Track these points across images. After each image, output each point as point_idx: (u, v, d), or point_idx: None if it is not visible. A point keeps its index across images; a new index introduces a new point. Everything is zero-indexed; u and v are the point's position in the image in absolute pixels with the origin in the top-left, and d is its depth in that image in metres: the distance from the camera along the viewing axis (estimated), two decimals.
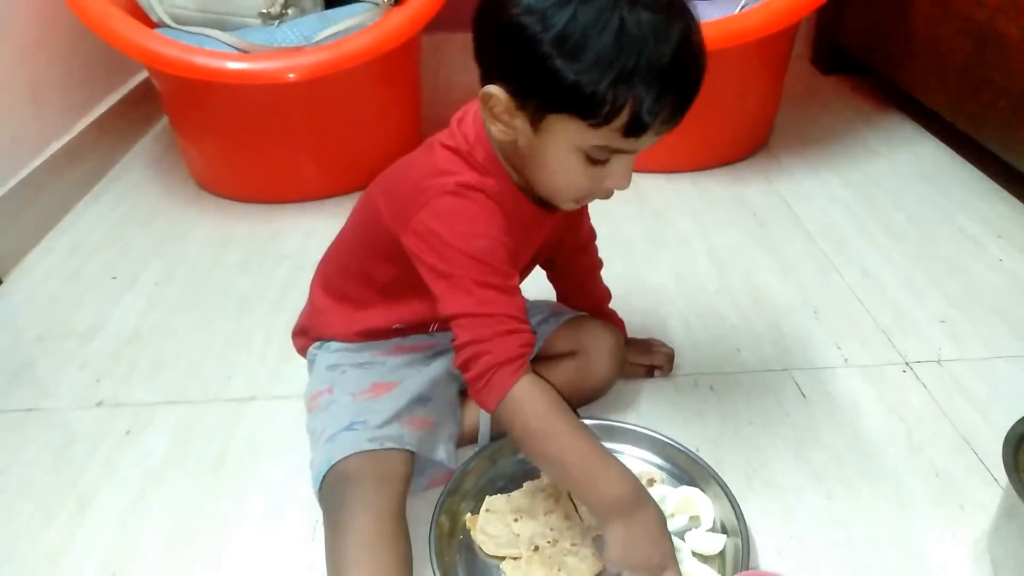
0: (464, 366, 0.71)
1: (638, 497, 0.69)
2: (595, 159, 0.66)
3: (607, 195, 0.71)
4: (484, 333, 0.69)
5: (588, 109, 0.61)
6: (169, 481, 0.88)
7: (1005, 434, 0.72)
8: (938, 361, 1.02)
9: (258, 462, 0.90)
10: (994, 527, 0.74)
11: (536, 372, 0.72)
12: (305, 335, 0.93)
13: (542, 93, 0.62)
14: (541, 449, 0.70)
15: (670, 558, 0.69)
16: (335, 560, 0.69)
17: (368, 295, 0.86)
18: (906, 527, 0.79)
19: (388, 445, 0.76)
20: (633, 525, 0.68)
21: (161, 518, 0.83)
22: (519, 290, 0.73)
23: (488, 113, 0.67)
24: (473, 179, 0.71)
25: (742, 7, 1.39)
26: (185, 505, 0.85)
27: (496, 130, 0.68)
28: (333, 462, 0.75)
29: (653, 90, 0.60)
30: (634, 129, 0.62)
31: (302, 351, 0.94)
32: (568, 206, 0.74)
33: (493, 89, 0.65)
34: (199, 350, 1.10)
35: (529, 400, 0.69)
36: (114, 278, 1.28)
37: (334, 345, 0.89)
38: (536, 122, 0.65)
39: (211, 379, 1.04)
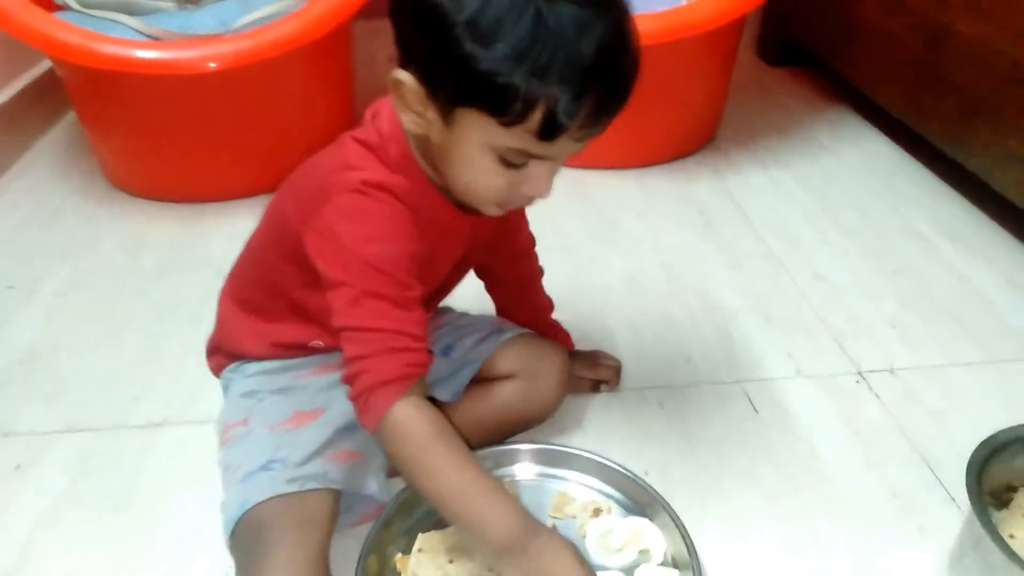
0: (348, 383, 0.64)
1: (529, 530, 0.62)
2: (510, 162, 0.59)
3: (528, 202, 0.65)
4: (367, 349, 0.63)
5: (498, 104, 0.54)
6: (64, 524, 0.79)
7: (968, 459, 0.68)
8: (891, 370, 0.99)
9: (167, 499, 0.81)
10: (957, 554, 0.70)
11: (426, 398, 0.65)
12: (219, 353, 0.84)
13: (452, 81, 0.56)
14: (421, 483, 0.63)
15: None
16: None
17: (277, 306, 0.77)
18: (865, 553, 0.75)
19: (310, 486, 0.69)
20: (531, 560, 0.61)
21: (54, 568, 0.74)
22: (417, 303, 0.66)
23: (400, 102, 0.61)
24: (381, 176, 0.64)
25: None
26: (82, 552, 0.76)
27: (408, 120, 0.61)
28: (247, 507, 0.67)
29: (570, 89, 0.53)
30: (548, 132, 0.55)
31: (216, 371, 0.86)
32: (489, 211, 0.66)
33: (403, 75, 0.58)
34: (104, 369, 1.00)
35: (408, 427, 0.63)
36: (11, 287, 1.16)
37: (251, 367, 0.80)
38: (447, 115, 0.58)
39: (117, 402, 0.94)
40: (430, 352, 0.66)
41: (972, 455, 0.68)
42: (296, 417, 0.75)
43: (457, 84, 0.55)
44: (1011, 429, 0.72)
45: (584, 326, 1.03)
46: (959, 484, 0.80)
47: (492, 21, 0.52)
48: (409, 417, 0.63)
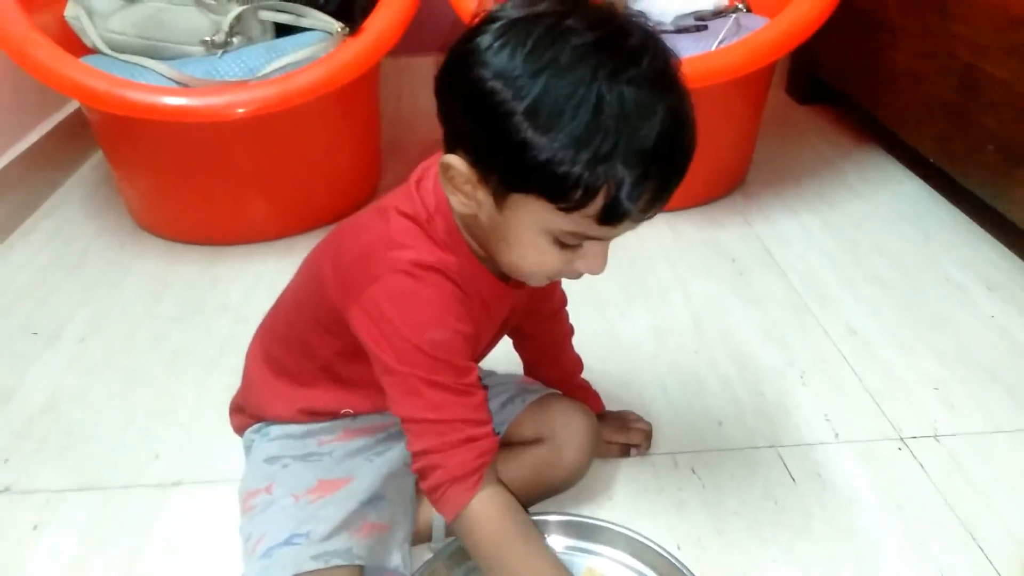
0: (419, 474, 0.65)
1: None
2: (565, 243, 0.57)
3: (577, 276, 0.63)
4: (436, 443, 0.63)
5: (558, 192, 0.52)
6: None
7: None
8: (935, 436, 0.94)
9: (179, 564, 0.79)
10: None
11: (498, 481, 0.66)
12: (242, 413, 0.82)
13: (508, 168, 0.54)
14: (494, 571, 0.65)
15: None
16: None
17: (309, 369, 0.76)
18: None
19: (334, 563, 0.66)
20: None
21: None
22: (477, 386, 0.64)
23: (448, 184, 0.59)
24: (431, 257, 0.62)
25: (720, 43, 1.31)
26: None
27: (456, 202, 0.60)
28: None
29: (633, 174, 0.51)
30: (610, 216, 0.53)
31: (239, 430, 0.84)
32: (535, 283, 0.65)
33: (453, 160, 0.57)
34: (120, 422, 0.98)
35: (483, 519, 0.64)
36: (35, 333, 1.15)
37: (275, 430, 0.78)
38: (500, 198, 0.56)
39: (131, 459, 0.92)
40: (497, 433, 0.65)
41: None
42: (320, 486, 0.73)
43: (513, 171, 0.53)
44: None
45: (612, 385, 1.00)
46: (1010, 566, 0.76)
47: (552, 108, 0.50)
48: (483, 511, 0.64)
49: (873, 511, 0.84)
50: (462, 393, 0.63)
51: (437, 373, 0.61)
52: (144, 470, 0.90)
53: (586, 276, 0.62)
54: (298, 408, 0.77)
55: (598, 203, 0.52)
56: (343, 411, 0.77)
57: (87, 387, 1.04)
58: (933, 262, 1.31)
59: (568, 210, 0.53)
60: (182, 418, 0.99)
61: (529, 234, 0.57)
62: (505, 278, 0.68)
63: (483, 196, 0.57)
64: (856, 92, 1.73)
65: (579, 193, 0.51)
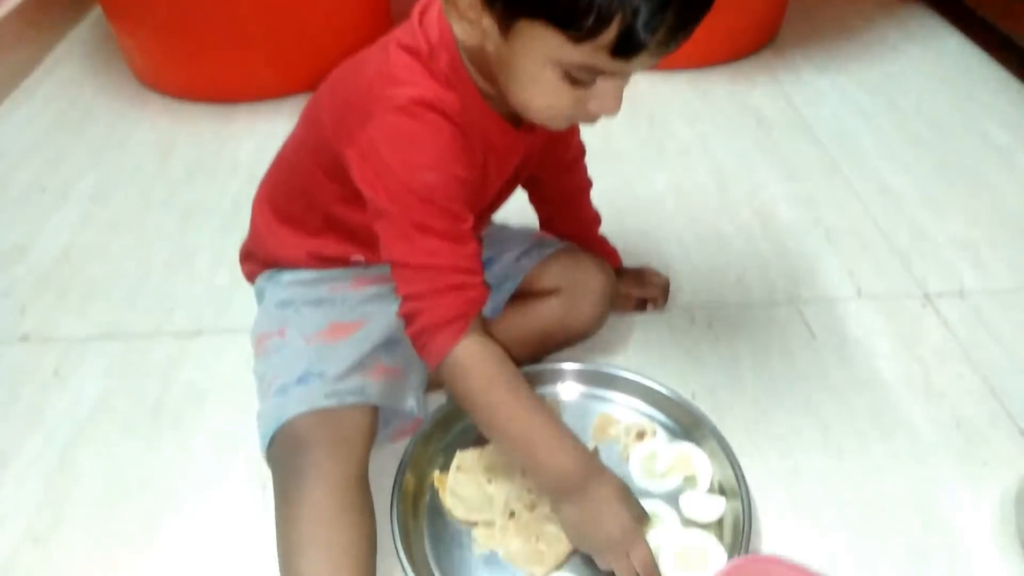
0: (404, 320, 0.63)
1: (589, 471, 0.62)
2: (577, 79, 0.53)
3: (594, 120, 0.58)
4: (423, 288, 0.60)
5: (568, 17, 0.48)
6: (101, 430, 0.78)
7: None
8: (960, 292, 0.92)
9: (203, 407, 0.81)
10: None
11: (487, 333, 0.63)
12: (252, 259, 0.81)
13: None
14: (482, 419, 0.63)
15: (635, 535, 0.61)
16: (285, 539, 0.61)
17: (315, 220, 0.73)
18: (923, 486, 0.71)
19: (348, 401, 0.66)
20: (586, 503, 0.61)
21: (92, 475, 0.74)
22: (471, 234, 0.62)
23: (451, 9, 0.54)
24: (431, 93, 0.58)
25: None
26: (119, 459, 0.76)
27: (460, 30, 0.55)
28: (283, 420, 0.65)
29: (651, 2, 0.46)
30: (625, 48, 0.48)
31: (250, 277, 0.82)
32: (552, 126, 0.60)
33: None
34: (137, 276, 0.98)
35: (470, 366, 0.62)
36: (44, 190, 1.14)
37: (286, 276, 0.77)
38: (506, 26, 0.52)
39: (150, 310, 0.93)
40: (487, 285, 0.63)
41: None
42: (333, 329, 0.72)
43: None
44: None
45: (631, 241, 0.97)
46: None
47: None
48: (470, 356, 0.61)
49: (892, 364, 0.83)
50: (455, 240, 0.60)
51: (430, 217, 0.59)
52: (164, 320, 0.91)
53: (603, 129, 0.57)
54: (307, 252, 0.75)
55: (611, 32, 0.47)
56: (353, 258, 0.75)
57: (102, 243, 1.03)
58: (974, 123, 1.24)
59: (579, 40, 0.48)
60: (199, 272, 0.98)
61: (537, 67, 0.52)
62: (516, 122, 0.63)
63: (488, 23, 0.53)
64: None
65: (591, 19, 0.47)
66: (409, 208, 0.58)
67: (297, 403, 0.65)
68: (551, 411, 0.65)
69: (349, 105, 0.62)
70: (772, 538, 0.67)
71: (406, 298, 0.61)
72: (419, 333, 0.61)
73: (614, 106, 0.56)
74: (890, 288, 0.93)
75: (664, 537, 0.64)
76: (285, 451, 0.64)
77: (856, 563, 0.65)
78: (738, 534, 0.65)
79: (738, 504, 0.66)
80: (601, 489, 0.61)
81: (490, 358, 0.62)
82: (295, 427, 0.64)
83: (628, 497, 0.62)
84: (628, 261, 0.92)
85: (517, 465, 0.69)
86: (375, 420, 0.69)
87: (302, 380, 0.67)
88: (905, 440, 0.75)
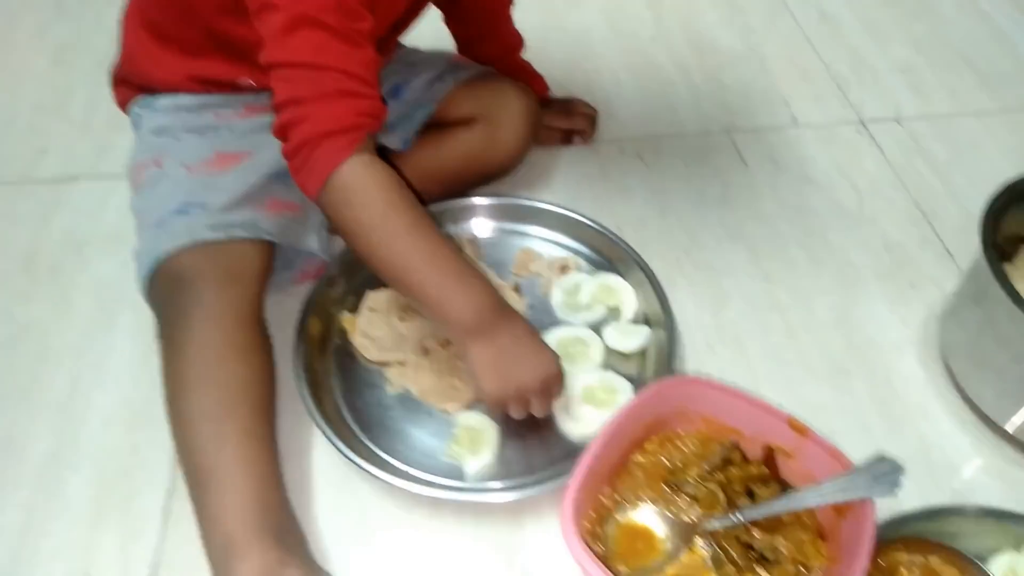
0: (281, 133, 0.53)
1: (500, 310, 0.55)
2: None
3: None
4: (307, 91, 0.51)
5: None
6: None
7: (985, 205, 0.60)
8: (897, 118, 0.88)
9: (82, 259, 0.73)
10: (951, 310, 0.65)
11: (377, 155, 0.54)
12: (125, 84, 0.71)
13: None
14: (374, 254, 0.54)
15: (552, 379, 0.55)
16: (171, 382, 0.55)
17: (195, 37, 0.64)
18: (850, 309, 0.70)
19: (237, 234, 0.59)
20: (498, 344, 0.54)
21: None
22: (368, 38, 0.53)
23: None
24: None
25: None
26: None
27: None
28: (162, 255, 0.58)
29: None
30: None
31: (123, 105, 0.71)
32: None
33: None
34: (3, 119, 0.86)
35: (361, 190, 0.52)
36: None
37: (163, 101, 0.67)
38: None
39: (20, 154, 0.82)
40: (385, 103, 0.54)
41: (991, 201, 0.60)
42: (218, 159, 0.64)
43: None
44: None
45: (557, 71, 0.89)
46: (958, 239, 0.74)
47: None
48: (360, 178, 0.52)
49: (825, 192, 0.80)
50: (349, 41, 0.51)
51: (321, 10, 0.50)
52: (36, 165, 0.81)
53: None
54: (187, 74, 0.66)
55: None
56: (241, 81, 0.66)
57: None
58: None
59: None
60: (73, 115, 0.87)
61: None
62: None
63: None
64: None
65: None
66: None
67: (177, 236, 0.58)
68: (455, 244, 0.58)
69: None
70: (698, 364, 0.65)
71: (285, 104, 0.52)
72: (299, 147, 0.52)
73: None
74: (826, 115, 0.89)
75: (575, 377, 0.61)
76: (167, 290, 0.58)
77: (780, 385, 0.64)
78: (662, 362, 0.62)
79: (662, 333, 0.64)
80: (513, 330, 0.55)
81: (385, 182, 0.53)
82: (177, 263, 0.58)
83: (542, 343, 0.56)
84: (555, 93, 0.84)
85: (416, 305, 0.61)
86: (270, 259, 0.62)
87: (182, 211, 0.60)
88: (834, 265, 0.73)
